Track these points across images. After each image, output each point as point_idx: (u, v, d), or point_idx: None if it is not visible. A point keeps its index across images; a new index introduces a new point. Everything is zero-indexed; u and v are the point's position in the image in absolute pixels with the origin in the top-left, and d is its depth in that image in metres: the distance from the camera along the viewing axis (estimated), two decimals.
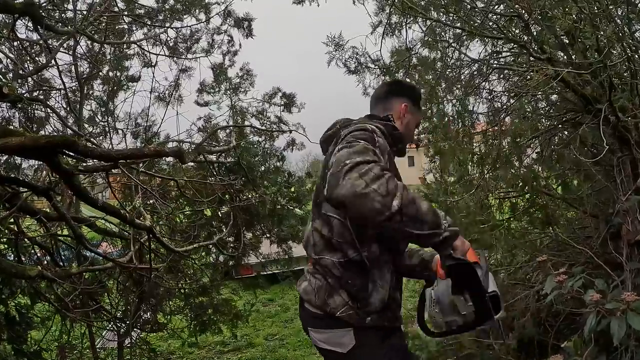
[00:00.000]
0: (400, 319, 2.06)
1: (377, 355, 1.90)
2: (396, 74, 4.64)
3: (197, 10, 5.55)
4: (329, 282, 1.93)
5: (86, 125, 4.95)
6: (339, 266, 1.91)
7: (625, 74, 3.24)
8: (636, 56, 3.12)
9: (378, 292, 1.90)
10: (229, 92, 6.38)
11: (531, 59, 3.18)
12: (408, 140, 2.23)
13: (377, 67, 4.84)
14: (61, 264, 4.36)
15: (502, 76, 4.36)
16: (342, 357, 1.90)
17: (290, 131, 6.32)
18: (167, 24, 5.35)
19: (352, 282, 1.89)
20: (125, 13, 4.80)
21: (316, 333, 1.98)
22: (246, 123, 6.40)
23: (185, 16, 5.50)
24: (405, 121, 2.19)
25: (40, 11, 3.29)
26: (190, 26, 5.58)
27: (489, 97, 4.46)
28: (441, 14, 3.87)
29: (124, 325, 5.10)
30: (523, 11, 3.13)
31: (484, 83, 4.34)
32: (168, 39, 5.49)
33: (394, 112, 2.19)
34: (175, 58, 5.60)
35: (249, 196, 5.97)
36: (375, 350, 1.90)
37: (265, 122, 6.62)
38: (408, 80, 4.47)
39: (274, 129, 6.55)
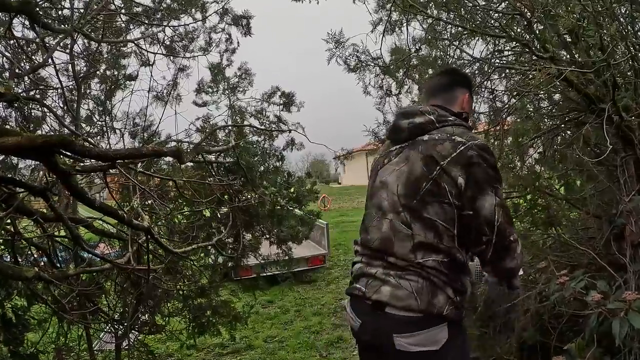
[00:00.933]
0: None
1: (459, 343, 2.02)
2: (396, 73, 4.64)
3: (193, 10, 5.56)
4: (434, 281, 1.95)
5: (83, 125, 4.94)
6: (443, 266, 1.95)
7: (629, 73, 3.24)
8: None
9: (469, 287, 2.07)
10: (227, 92, 6.39)
11: (534, 57, 3.18)
12: None
13: (377, 65, 4.85)
14: (58, 265, 4.35)
15: (503, 75, 4.37)
16: (432, 355, 1.92)
17: (290, 130, 6.31)
18: (165, 23, 5.35)
19: (456, 279, 1.98)
20: (123, 11, 4.81)
21: (407, 338, 1.93)
22: (245, 123, 6.40)
23: (182, 15, 5.50)
24: (466, 112, 2.23)
25: (37, 9, 3.30)
26: (187, 25, 5.59)
27: (491, 97, 4.46)
28: (442, 11, 3.87)
29: (121, 327, 5.09)
30: (525, 9, 3.14)
31: (485, 82, 4.34)
32: (165, 37, 5.50)
33: (457, 104, 2.21)
34: (172, 57, 5.61)
35: (249, 196, 5.96)
36: (458, 339, 2.01)
37: (265, 121, 6.63)
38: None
39: (273, 129, 6.54)
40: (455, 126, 2.06)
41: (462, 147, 1.93)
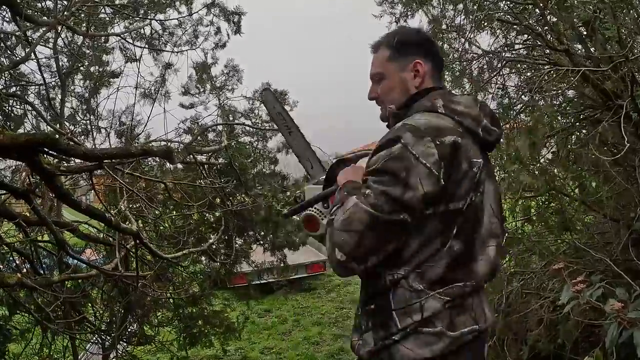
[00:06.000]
0: None
1: None
2: None
3: (178, 2, 5.51)
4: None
5: (67, 124, 4.92)
6: None
7: None
8: None
9: None
10: (215, 91, 6.31)
11: (547, 51, 3.17)
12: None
13: None
14: (42, 271, 4.32)
15: (514, 70, 4.35)
16: None
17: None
18: (151, 16, 5.32)
19: None
20: (107, 4, 4.77)
21: None
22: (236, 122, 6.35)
23: (168, 9, 5.46)
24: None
25: (19, 0, 3.28)
26: (174, 18, 5.55)
27: (500, 93, 4.44)
28: (448, 2, 3.87)
29: (109, 337, 5.07)
30: None
31: (494, 77, 4.32)
32: (153, 32, 5.46)
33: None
34: (159, 52, 5.57)
35: (242, 200, 5.94)
36: None
37: (257, 121, 6.55)
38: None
39: (266, 128, 6.46)
40: None
41: None
